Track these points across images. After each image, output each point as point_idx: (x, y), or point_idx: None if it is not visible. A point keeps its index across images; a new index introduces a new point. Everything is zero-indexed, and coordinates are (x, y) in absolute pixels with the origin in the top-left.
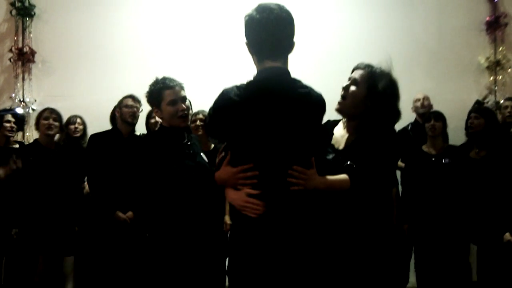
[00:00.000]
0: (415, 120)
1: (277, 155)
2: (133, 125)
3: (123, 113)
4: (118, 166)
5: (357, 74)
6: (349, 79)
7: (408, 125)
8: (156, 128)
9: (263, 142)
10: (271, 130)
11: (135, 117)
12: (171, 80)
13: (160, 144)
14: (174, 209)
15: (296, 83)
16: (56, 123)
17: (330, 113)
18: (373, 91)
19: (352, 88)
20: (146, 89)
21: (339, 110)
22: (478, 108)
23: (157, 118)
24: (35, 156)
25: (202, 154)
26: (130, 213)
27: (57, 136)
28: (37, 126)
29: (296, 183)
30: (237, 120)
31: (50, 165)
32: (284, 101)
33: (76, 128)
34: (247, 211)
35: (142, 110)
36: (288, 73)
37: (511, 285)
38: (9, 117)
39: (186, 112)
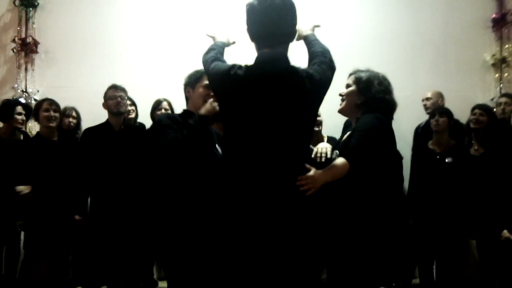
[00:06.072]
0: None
1: (270, 137)
2: (121, 114)
3: (109, 105)
4: (110, 160)
5: (349, 78)
6: None
7: (421, 123)
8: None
9: (257, 127)
10: (263, 113)
11: (120, 106)
12: None
13: (190, 127)
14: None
15: (294, 67)
16: (57, 114)
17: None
18: (360, 83)
19: (346, 90)
20: (148, 80)
21: (341, 111)
22: (483, 105)
23: (163, 110)
24: (37, 149)
25: (217, 145)
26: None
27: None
28: (36, 118)
29: (308, 188)
30: (230, 106)
31: (52, 157)
32: (274, 79)
33: (70, 122)
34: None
35: (127, 99)
36: (285, 57)
37: (510, 280)
38: (20, 109)
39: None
